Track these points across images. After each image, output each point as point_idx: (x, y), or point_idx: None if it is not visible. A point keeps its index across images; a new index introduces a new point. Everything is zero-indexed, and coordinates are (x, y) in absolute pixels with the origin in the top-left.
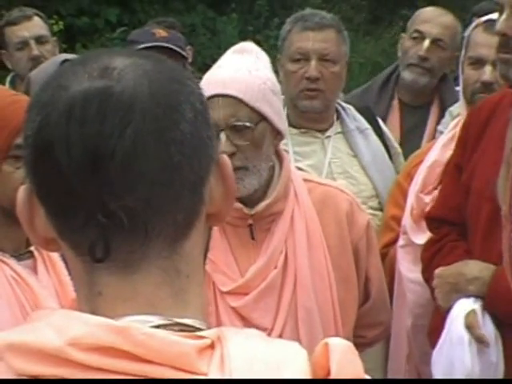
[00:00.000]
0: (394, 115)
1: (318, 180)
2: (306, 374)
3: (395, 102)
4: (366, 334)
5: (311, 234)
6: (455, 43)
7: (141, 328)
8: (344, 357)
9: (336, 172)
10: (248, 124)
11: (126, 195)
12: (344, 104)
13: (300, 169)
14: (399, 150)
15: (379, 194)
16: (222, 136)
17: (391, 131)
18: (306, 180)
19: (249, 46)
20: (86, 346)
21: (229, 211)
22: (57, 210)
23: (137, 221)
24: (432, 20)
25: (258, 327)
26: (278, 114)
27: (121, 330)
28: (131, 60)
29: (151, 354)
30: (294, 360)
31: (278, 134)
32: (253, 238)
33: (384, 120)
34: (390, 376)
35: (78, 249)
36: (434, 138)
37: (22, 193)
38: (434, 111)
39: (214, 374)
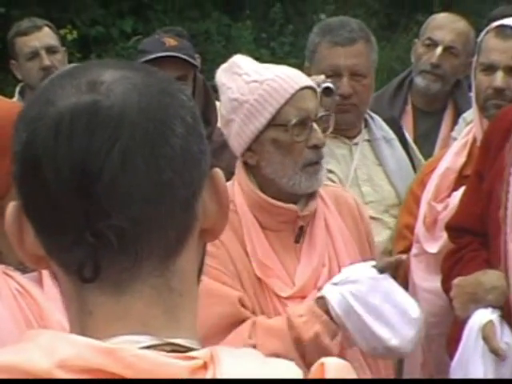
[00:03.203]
0: (407, 120)
1: None
2: None
3: (408, 108)
4: None
5: (341, 230)
6: (468, 49)
7: (130, 349)
8: (340, 376)
9: (361, 179)
10: (327, 113)
11: (114, 214)
12: (372, 113)
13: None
14: (423, 161)
15: (402, 202)
16: (316, 127)
17: None
18: None
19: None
20: (74, 368)
21: (224, 226)
22: (45, 227)
23: (126, 240)
24: (445, 27)
25: None
26: None
27: (110, 352)
28: (121, 73)
29: (141, 376)
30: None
31: None
32: (297, 242)
33: None
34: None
35: (68, 268)
36: (447, 143)
37: (11, 209)
38: (447, 117)
39: None
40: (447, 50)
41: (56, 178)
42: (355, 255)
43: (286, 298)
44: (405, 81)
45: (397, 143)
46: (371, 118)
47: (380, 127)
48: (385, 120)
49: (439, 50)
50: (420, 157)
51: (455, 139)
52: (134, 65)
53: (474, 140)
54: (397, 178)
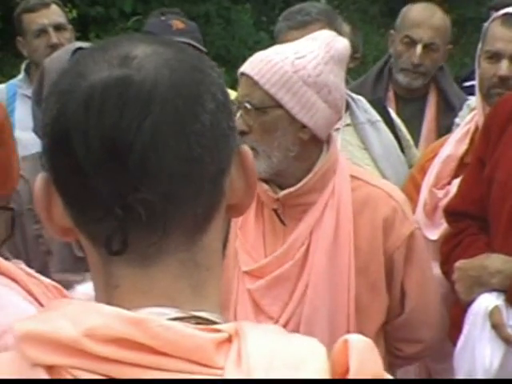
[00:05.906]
0: (390, 107)
1: (369, 179)
2: (324, 372)
3: (390, 94)
4: (403, 348)
5: (340, 231)
6: (447, 39)
7: (157, 320)
8: (363, 354)
9: None
10: (249, 106)
11: (143, 188)
12: (354, 95)
13: None
14: (411, 142)
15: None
16: (238, 114)
17: None
18: (354, 177)
19: (325, 34)
20: (101, 337)
21: (250, 202)
22: (73, 200)
23: (155, 214)
24: (422, 24)
25: (265, 314)
26: (303, 106)
27: (137, 322)
28: (152, 48)
29: (168, 346)
30: (312, 357)
31: (303, 127)
32: (283, 224)
33: None
34: (399, 373)
35: (95, 240)
36: (435, 127)
37: (40, 181)
38: (431, 100)
39: (230, 369)
40: (427, 47)
41: (86, 152)
42: (345, 262)
43: (245, 273)
44: (383, 69)
45: (382, 125)
46: (353, 100)
47: (364, 110)
48: (369, 101)
49: (419, 48)
50: (408, 137)
51: (458, 125)
52: (166, 40)
53: (477, 128)
54: (384, 162)
